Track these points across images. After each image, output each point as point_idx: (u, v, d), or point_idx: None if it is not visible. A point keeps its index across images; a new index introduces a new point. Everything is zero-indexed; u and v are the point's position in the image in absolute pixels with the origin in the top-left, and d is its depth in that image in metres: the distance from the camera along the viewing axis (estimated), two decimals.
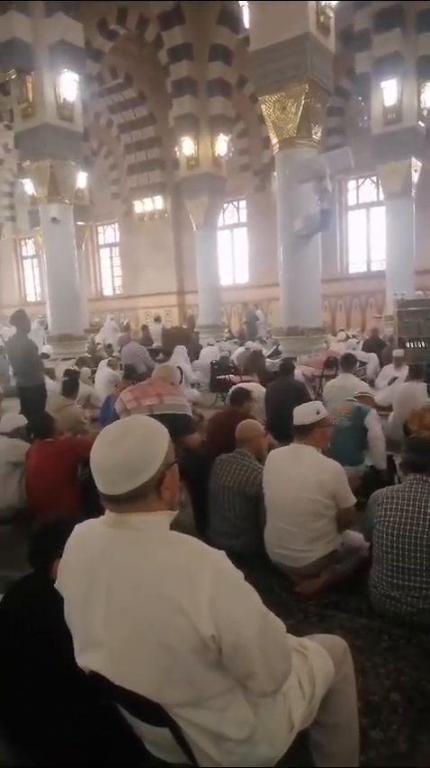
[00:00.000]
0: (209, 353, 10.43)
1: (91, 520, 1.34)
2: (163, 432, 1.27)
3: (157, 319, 16.00)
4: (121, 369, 9.29)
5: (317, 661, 1.48)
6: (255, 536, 3.07)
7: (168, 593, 1.12)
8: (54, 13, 9.28)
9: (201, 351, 10.97)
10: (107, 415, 5.94)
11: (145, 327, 15.15)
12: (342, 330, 13.38)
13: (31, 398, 6.38)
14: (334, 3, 7.49)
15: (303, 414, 2.84)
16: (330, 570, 2.80)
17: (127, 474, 1.19)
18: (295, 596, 2.78)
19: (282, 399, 4.85)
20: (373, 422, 4.01)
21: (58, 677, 1.50)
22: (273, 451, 3.01)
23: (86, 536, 1.31)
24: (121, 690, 1.17)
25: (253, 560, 2.73)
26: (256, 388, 5.54)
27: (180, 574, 1.13)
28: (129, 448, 1.20)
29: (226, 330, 14.96)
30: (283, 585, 2.85)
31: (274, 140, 8.12)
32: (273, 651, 1.21)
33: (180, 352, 9.28)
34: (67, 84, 9.66)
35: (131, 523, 1.21)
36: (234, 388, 4.81)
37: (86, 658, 1.24)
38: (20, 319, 6.54)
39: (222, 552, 1.19)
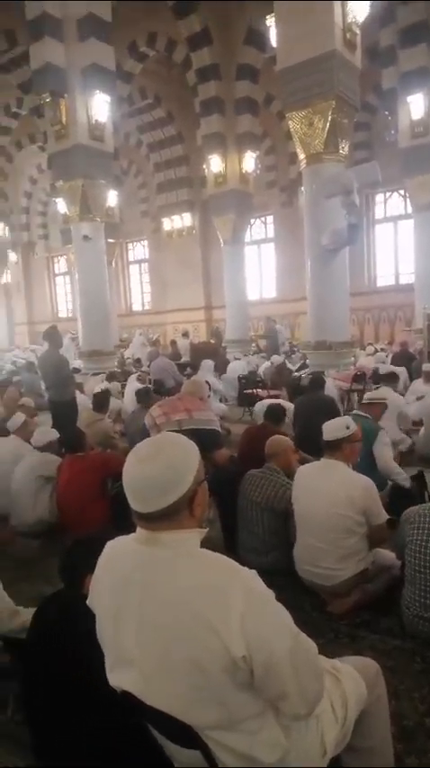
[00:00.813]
0: (236, 368, 10.44)
1: (123, 537, 1.35)
2: (194, 449, 1.28)
3: (185, 334, 16.11)
4: (150, 383, 9.38)
5: (349, 683, 1.46)
6: (284, 553, 3.04)
7: (199, 612, 1.11)
8: (87, 38, 9.56)
9: (229, 365, 10.98)
10: (132, 429, 5.98)
11: (173, 342, 15.27)
12: (370, 344, 13.24)
13: (63, 413, 6.47)
14: (360, 20, 7.52)
15: (333, 429, 2.82)
16: (361, 589, 2.76)
17: (159, 491, 1.19)
18: (326, 615, 2.74)
19: (311, 414, 4.81)
20: (380, 448, 3.83)
21: (90, 695, 1.50)
22: (302, 467, 2.99)
23: (118, 553, 1.31)
24: (152, 709, 1.17)
25: (283, 578, 2.71)
26: (283, 403, 5.53)
27: (211, 592, 1.13)
28: (161, 465, 1.20)
29: (253, 344, 14.96)
30: (314, 604, 2.81)
31: (301, 156, 8.15)
32: (305, 672, 1.19)
33: (206, 367, 9.31)
34: (99, 106, 9.90)
35: (163, 541, 1.21)
36: (269, 404, 4.77)
37: (117, 677, 1.24)
38: (52, 335, 6.67)
39: (253, 571, 1.19)
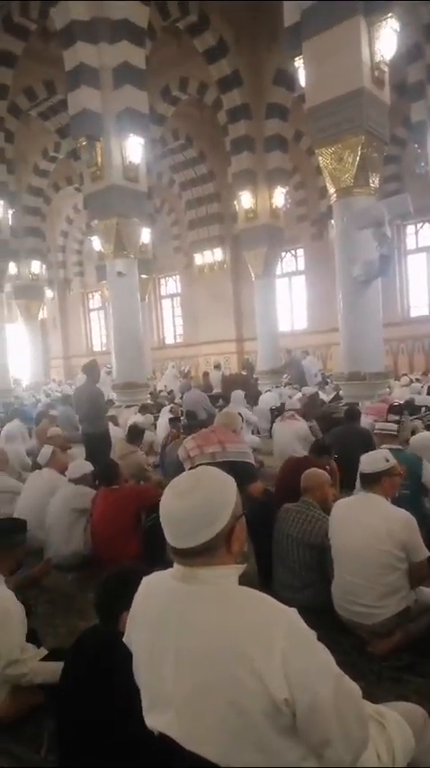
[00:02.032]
0: (268, 399, 10.39)
1: (159, 572, 1.33)
2: (231, 483, 1.26)
3: (217, 366, 16.19)
4: (182, 415, 9.41)
5: (395, 731, 1.38)
6: (321, 589, 2.95)
7: (239, 652, 1.08)
8: (122, 85, 9.99)
9: (261, 396, 10.94)
10: (166, 461, 6.00)
11: (206, 374, 15.35)
12: (405, 374, 13.04)
13: (96, 446, 6.52)
14: (388, 57, 7.67)
15: (372, 461, 2.76)
16: (404, 629, 2.64)
17: (197, 527, 1.17)
18: (366, 657, 2.63)
19: (347, 446, 4.73)
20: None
21: (125, 736, 1.47)
22: (340, 501, 2.93)
23: (154, 589, 1.29)
24: (190, 754, 1.13)
25: (320, 615, 2.62)
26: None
27: (251, 631, 1.10)
28: (199, 500, 1.19)
29: (284, 376, 14.94)
30: (354, 644, 2.69)
31: (332, 190, 8.24)
32: (349, 717, 1.13)
33: (238, 398, 9.30)
34: (133, 148, 10.25)
35: (201, 577, 1.19)
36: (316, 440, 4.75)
37: (154, 718, 1.20)
38: (91, 369, 6.82)
39: (294, 609, 1.15)
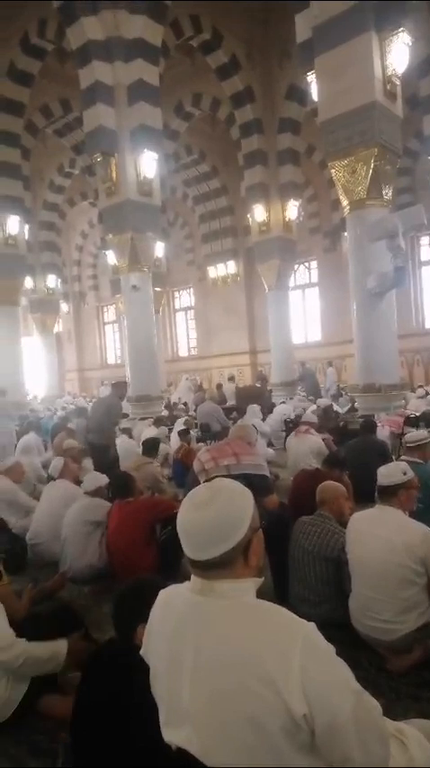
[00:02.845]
0: (282, 411, 10.37)
1: (176, 585, 1.33)
2: (249, 495, 1.26)
3: (231, 378, 16.20)
4: (197, 427, 9.41)
5: (416, 750, 1.35)
6: (338, 604, 2.91)
7: (257, 666, 1.07)
8: (136, 101, 10.16)
9: (275, 408, 10.92)
10: (180, 477, 6.00)
11: (219, 386, 15.37)
12: (420, 386, 12.94)
13: (100, 457, 6.58)
14: (400, 71, 7.71)
15: (389, 474, 2.73)
16: (423, 646, 2.59)
17: (215, 538, 1.17)
18: (385, 673, 2.58)
19: (363, 458, 4.69)
20: None
21: (142, 750, 1.46)
22: (356, 514, 2.89)
23: (172, 602, 1.29)
24: None
25: (337, 630, 2.58)
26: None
27: (270, 646, 1.08)
28: (216, 512, 1.18)
29: (299, 388, 14.91)
30: (372, 660, 2.65)
31: (345, 202, 8.26)
32: (369, 734, 1.11)
33: (253, 411, 9.29)
34: (147, 164, 10.39)
35: (218, 591, 1.18)
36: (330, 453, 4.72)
37: (172, 732, 1.19)
38: (119, 386, 7.23)
39: (313, 624, 1.14)
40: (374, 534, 2.64)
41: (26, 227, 14.38)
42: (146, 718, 1.29)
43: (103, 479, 4.32)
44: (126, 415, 10.15)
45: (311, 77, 8.54)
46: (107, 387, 20.13)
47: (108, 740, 1.58)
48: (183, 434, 7.64)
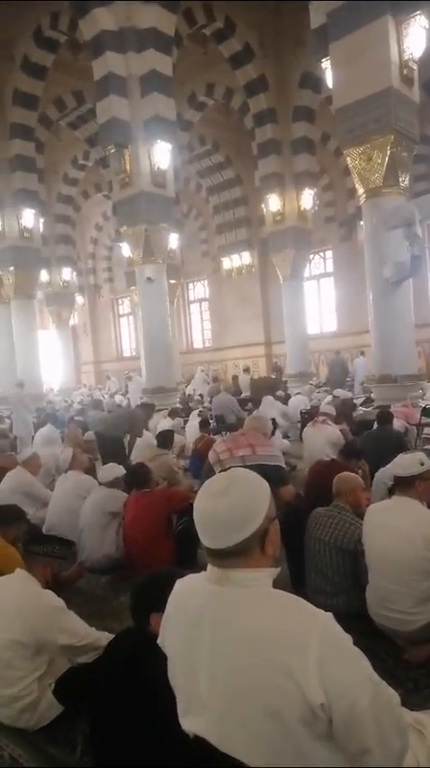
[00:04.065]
0: (298, 402, 10.33)
1: (193, 575, 1.33)
2: (265, 485, 1.26)
3: (246, 370, 16.18)
4: (212, 419, 9.42)
5: None
6: (355, 595, 2.91)
7: (274, 655, 1.07)
8: (149, 92, 10.11)
9: (290, 400, 10.88)
10: (197, 468, 6.03)
11: (235, 378, 15.37)
12: None
13: (110, 450, 6.64)
14: (417, 55, 7.56)
15: (406, 465, 2.71)
16: None
17: (232, 527, 1.17)
18: (403, 664, 2.58)
19: (380, 449, 4.66)
20: None
21: (160, 738, 1.47)
22: (373, 505, 2.88)
23: (188, 592, 1.29)
24: (226, 757, 1.12)
25: (354, 621, 2.57)
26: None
27: (287, 635, 1.09)
28: (233, 500, 1.19)
29: (313, 378, 14.84)
30: (389, 651, 2.65)
31: (361, 190, 8.15)
32: (388, 724, 1.11)
33: (268, 402, 9.26)
34: (161, 154, 10.34)
35: (235, 580, 1.18)
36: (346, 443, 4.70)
37: (190, 721, 1.20)
38: (148, 407, 7.78)
39: (330, 614, 1.14)
40: (392, 526, 2.63)
41: (41, 220, 14.45)
42: (163, 706, 1.30)
43: (119, 470, 4.35)
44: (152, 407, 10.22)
45: (326, 64, 8.40)
46: (114, 381, 20.35)
47: (124, 728, 1.60)
48: (204, 425, 7.66)
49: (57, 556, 2.56)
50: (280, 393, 11.09)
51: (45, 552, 2.51)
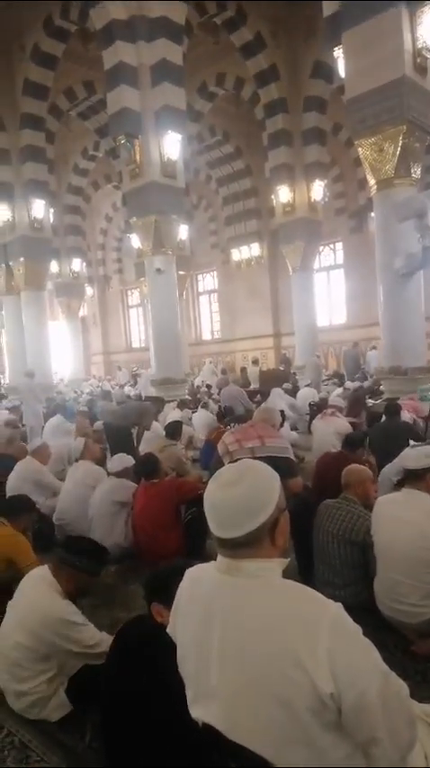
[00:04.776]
0: (307, 394, 10.29)
1: (202, 565, 1.34)
2: (275, 476, 1.26)
3: (255, 362, 16.15)
4: (221, 410, 9.42)
5: None
6: (363, 587, 2.91)
7: (284, 645, 1.08)
8: (160, 82, 10.05)
9: (299, 392, 10.85)
10: (208, 459, 6.04)
11: (243, 370, 15.35)
12: None
13: (118, 440, 6.68)
14: None
15: (416, 457, 2.70)
16: None
17: (242, 517, 1.17)
18: (411, 656, 2.58)
19: (389, 441, 4.64)
20: None
21: (169, 725, 1.49)
22: (382, 497, 2.88)
23: (198, 581, 1.30)
24: (235, 745, 1.13)
25: (362, 613, 2.58)
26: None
27: (297, 625, 1.09)
28: (244, 490, 1.19)
29: (323, 370, 14.78)
30: (398, 643, 2.65)
31: (372, 182, 8.08)
32: (396, 715, 1.11)
33: (277, 394, 9.24)
34: (171, 145, 10.30)
35: (245, 570, 1.19)
36: (350, 431, 4.69)
37: (199, 709, 1.21)
38: (158, 401, 7.76)
39: (339, 604, 1.14)
40: (401, 518, 2.63)
41: (51, 210, 14.46)
42: (171, 693, 1.31)
43: (129, 460, 4.38)
44: (162, 401, 10.24)
45: (338, 53, 8.32)
46: (125, 372, 20.41)
47: (134, 715, 1.61)
48: (221, 417, 7.67)
49: (82, 570, 2.42)
50: (287, 385, 11.05)
51: (71, 563, 2.40)
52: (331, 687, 1.04)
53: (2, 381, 18.86)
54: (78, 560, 2.41)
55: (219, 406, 9.11)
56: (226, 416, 7.76)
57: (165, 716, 1.51)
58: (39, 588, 2.36)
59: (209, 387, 13.43)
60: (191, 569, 1.36)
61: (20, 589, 2.44)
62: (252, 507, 1.18)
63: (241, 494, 1.19)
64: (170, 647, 1.31)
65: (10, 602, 2.43)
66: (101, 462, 5.18)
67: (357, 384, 10.15)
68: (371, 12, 7.41)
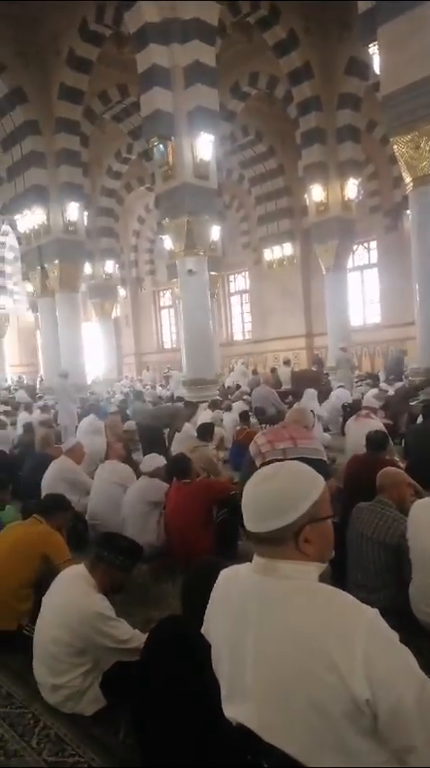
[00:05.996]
0: (340, 396, 10.18)
1: (237, 565, 1.33)
2: (316, 485, 1.23)
3: (287, 362, 16.05)
4: (252, 411, 9.41)
5: None
6: (397, 591, 2.85)
7: (320, 649, 1.06)
8: (193, 84, 10.09)
9: (332, 393, 10.73)
10: (238, 460, 6.04)
11: (273, 370, 15.28)
12: None
13: (150, 440, 6.73)
14: None
15: None
16: None
17: (268, 513, 1.18)
18: None
19: (426, 444, 4.55)
20: None
21: (202, 724, 1.49)
22: (420, 500, 2.82)
23: (233, 582, 1.30)
24: (269, 747, 1.12)
25: (397, 618, 2.53)
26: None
27: (333, 629, 1.08)
28: (273, 488, 1.20)
29: (356, 371, 14.58)
30: None
31: (408, 179, 7.96)
32: None
33: (310, 395, 9.16)
34: (203, 146, 10.32)
35: (281, 571, 1.18)
36: (370, 431, 4.59)
37: (233, 709, 1.21)
38: (191, 405, 7.82)
39: (376, 610, 1.12)
40: None
41: (85, 213, 14.66)
42: (205, 692, 1.31)
43: (160, 460, 4.40)
44: (181, 399, 10.28)
45: (373, 49, 8.21)
46: (152, 373, 20.58)
47: (167, 714, 1.62)
48: (244, 418, 7.67)
49: (116, 566, 2.47)
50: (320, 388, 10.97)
51: (107, 559, 2.45)
52: (367, 693, 1.02)
53: (38, 382, 19.27)
54: (114, 556, 2.46)
55: (249, 407, 9.09)
56: (256, 417, 7.76)
57: (199, 715, 1.51)
58: (75, 584, 2.41)
59: (238, 387, 13.42)
60: (225, 570, 1.36)
61: (55, 584, 2.49)
62: (277, 505, 1.18)
63: (269, 491, 1.20)
64: (204, 647, 1.32)
65: (45, 598, 2.48)
66: (125, 461, 5.24)
67: (399, 384, 9.94)
68: (406, 7, 7.28)
